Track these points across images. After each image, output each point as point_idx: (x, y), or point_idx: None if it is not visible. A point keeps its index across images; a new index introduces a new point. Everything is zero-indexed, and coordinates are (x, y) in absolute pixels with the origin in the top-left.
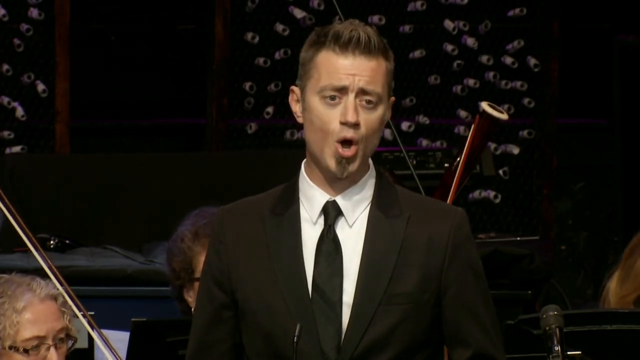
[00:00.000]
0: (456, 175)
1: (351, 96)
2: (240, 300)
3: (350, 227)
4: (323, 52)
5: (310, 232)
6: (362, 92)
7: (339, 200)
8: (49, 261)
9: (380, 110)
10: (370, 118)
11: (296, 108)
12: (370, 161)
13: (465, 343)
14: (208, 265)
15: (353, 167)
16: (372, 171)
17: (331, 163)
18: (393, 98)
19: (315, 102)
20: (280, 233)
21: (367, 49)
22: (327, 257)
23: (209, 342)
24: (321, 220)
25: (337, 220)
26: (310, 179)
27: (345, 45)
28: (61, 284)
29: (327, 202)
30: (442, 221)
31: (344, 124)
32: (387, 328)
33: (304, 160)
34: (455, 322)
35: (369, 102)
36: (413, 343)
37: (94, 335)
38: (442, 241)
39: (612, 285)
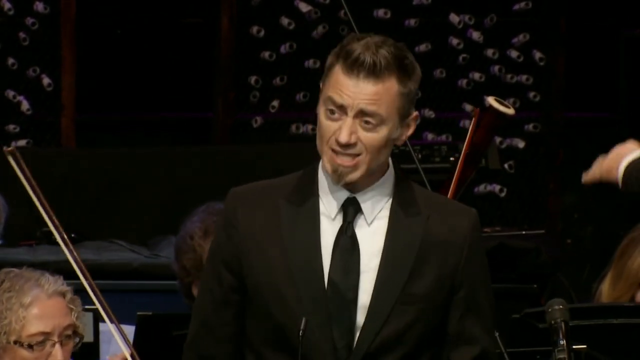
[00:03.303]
0: (456, 170)
1: (350, 116)
2: (250, 287)
3: (369, 225)
4: (337, 66)
5: (328, 227)
6: (362, 112)
7: (359, 198)
8: (75, 253)
9: (383, 131)
10: (370, 137)
11: None
12: (390, 160)
13: (471, 342)
14: (218, 247)
15: (353, 176)
16: (391, 170)
17: (328, 168)
18: (416, 113)
19: (321, 109)
20: (297, 224)
21: (371, 73)
22: (343, 254)
23: (215, 323)
24: (340, 217)
25: (356, 218)
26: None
27: (351, 66)
28: (85, 278)
29: (347, 199)
30: (460, 222)
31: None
32: (402, 327)
33: None
34: (464, 321)
35: (367, 122)
36: (424, 341)
37: (112, 328)
38: (459, 242)
39: (605, 287)
